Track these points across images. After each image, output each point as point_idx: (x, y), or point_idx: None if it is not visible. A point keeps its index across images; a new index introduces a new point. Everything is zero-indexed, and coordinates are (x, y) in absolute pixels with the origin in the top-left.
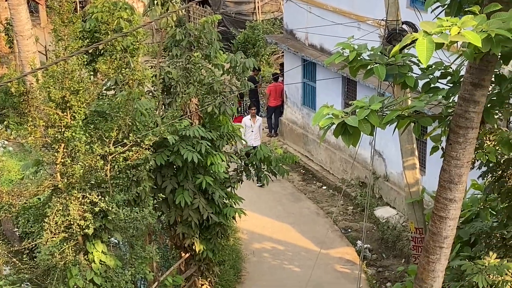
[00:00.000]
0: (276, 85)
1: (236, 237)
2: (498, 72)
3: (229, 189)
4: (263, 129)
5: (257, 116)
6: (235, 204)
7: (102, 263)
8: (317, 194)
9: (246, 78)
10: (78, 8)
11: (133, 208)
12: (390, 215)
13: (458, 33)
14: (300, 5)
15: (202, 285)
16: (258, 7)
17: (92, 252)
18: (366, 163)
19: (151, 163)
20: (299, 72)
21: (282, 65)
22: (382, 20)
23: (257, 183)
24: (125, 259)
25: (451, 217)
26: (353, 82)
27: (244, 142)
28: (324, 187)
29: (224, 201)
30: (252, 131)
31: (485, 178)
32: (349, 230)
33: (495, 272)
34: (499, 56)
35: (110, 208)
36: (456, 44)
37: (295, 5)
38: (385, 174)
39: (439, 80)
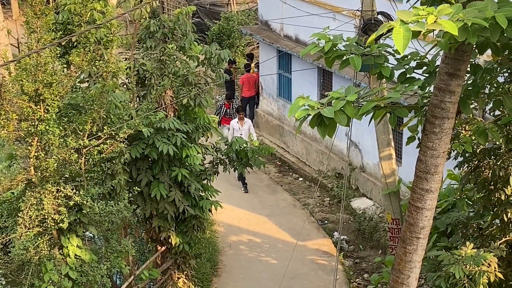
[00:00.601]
0: (249, 75)
1: (213, 230)
2: (473, 62)
3: (205, 182)
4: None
5: (245, 118)
6: (211, 196)
7: (77, 257)
8: (293, 186)
9: (222, 70)
10: (51, 0)
11: (108, 201)
12: (366, 206)
13: (435, 21)
14: None
15: (179, 278)
16: None
17: (67, 247)
18: (342, 154)
19: (126, 156)
20: (274, 63)
21: (249, 55)
22: (358, 10)
23: (242, 190)
24: (100, 253)
25: (427, 208)
26: (328, 73)
27: (220, 135)
28: (301, 179)
29: (200, 193)
30: (241, 134)
31: (461, 168)
32: (326, 221)
33: (471, 262)
34: (474, 46)
35: (84, 202)
36: (432, 33)
37: None
38: (361, 165)
39: (415, 71)
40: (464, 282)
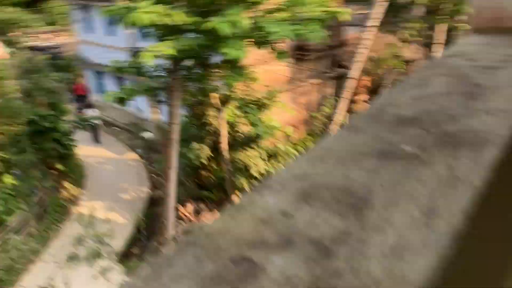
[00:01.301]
0: (77, 84)
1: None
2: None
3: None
4: None
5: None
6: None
7: None
8: (115, 132)
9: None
10: None
11: None
12: (150, 136)
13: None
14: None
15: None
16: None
17: None
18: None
19: None
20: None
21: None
22: (126, 47)
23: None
24: None
25: (176, 130)
26: (121, 78)
27: None
28: (118, 129)
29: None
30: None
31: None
32: (134, 146)
33: None
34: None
35: None
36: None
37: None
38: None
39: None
40: None
